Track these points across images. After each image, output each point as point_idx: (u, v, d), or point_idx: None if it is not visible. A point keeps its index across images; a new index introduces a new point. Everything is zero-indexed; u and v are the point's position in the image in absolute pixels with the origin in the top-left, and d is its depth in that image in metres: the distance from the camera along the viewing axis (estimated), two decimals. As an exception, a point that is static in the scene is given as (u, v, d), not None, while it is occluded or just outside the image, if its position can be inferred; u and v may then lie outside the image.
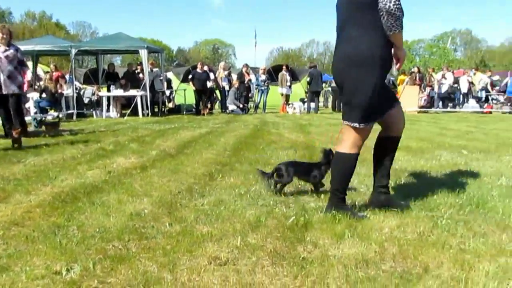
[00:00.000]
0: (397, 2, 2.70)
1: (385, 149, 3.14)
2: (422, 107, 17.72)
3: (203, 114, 15.00)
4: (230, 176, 4.31)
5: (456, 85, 18.53)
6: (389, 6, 2.68)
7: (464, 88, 18.74)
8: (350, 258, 2.25)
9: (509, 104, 17.80)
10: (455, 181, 4.04)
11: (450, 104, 19.00)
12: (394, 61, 2.98)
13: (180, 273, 2.10)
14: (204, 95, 15.57)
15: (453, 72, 21.10)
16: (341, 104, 3.06)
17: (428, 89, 18.68)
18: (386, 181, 3.15)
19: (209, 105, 16.01)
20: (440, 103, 18.34)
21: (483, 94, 19.36)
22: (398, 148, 6.10)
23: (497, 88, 20.65)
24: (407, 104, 16.15)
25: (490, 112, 17.08)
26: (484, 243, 2.44)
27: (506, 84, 19.61)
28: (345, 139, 2.98)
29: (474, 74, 19.84)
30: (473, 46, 71.45)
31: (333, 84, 17.54)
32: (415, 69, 18.47)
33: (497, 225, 2.76)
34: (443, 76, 18.04)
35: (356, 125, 2.90)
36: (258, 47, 77.86)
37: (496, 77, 22.54)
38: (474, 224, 2.78)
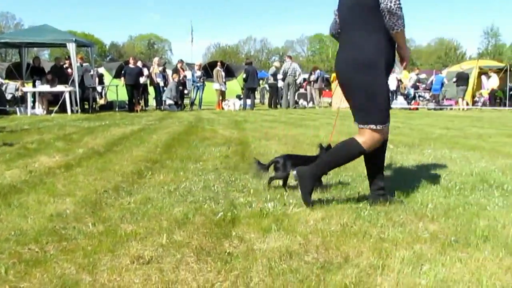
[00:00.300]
0: (397, 2, 2.81)
1: (376, 152, 3.18)
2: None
3: (136, 111, 14.65)
4: (160, 174, 4.24)
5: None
6: (390, 6, 2.79)
7: (392, 85, 19.60)
8: (274, 251, 2.28)
9: (433, 101, 18.87)
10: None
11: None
12: (397, 60, 3.05)
13: (100, 274, 2.04)
14: (137, 91, 15.20)
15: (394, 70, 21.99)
16: (352, 108, 3.11)
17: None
18: (382, 183, 3.22)
19: (142, 102, 15.67)
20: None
21: (412, 92, 20.39)
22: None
23: (424, 86, 21.82)
24: (340, 100, 16.70)
25: (417, 109, 18.05)
26: (402, 231, 2.57)
27: (432, 82, 20.80)
28: (366, 141, 3.02)
29: (401, 72, 20.79)
30: (402, 46, 74.93)
31: (270, 81, 17.78)
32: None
33: (415, 214, 2.92)
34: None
35: (379, 127, 2.99)
36: (195, 43, 77.03)
37: (423, 75, 23.81)
38: (394, 214, 2.91)
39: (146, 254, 2.25)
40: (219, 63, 17.72)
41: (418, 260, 2.16)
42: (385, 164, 4.67)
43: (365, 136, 3.04)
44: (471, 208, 3.07)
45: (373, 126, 2.99)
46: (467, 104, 19.36)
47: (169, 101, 15.66)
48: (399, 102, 18.51)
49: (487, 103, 19.55)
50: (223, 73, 17.17)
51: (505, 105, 19.30)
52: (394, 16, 2.83)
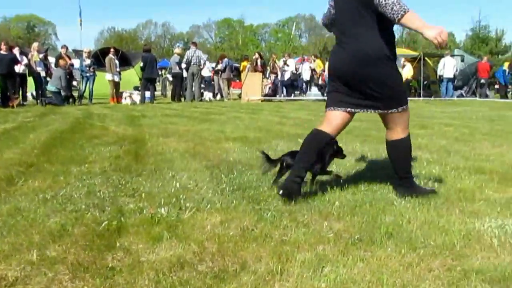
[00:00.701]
0: None
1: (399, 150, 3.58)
2: (266, 95, 18.73)
3: (12, 106, 13.76)
4: (35, 179, 4.01)
5: (298, 72, 19.98)
6: None
7: (306, 75, 20.30)
8: (164, 262, 2.26)
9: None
10: (287, 171, 4.34)
11: (297, 92, 20.48)
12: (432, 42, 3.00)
13: (-51, 302, 1.89)
14: (11, 82, 14.26)
15: (306, 59, 22.72)
16: (373, 99, 3.37)
17: (272, 76, 19.83)
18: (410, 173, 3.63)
19: (19, 95, 14.74)
20: (285, 91, 19.63)
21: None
22: (234, 139, 6.36)
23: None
24: (250, 92, 16.98)
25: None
26: (306, 232, 2.67)
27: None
28: (395, 127, 3.45)
29: (314, 61, 21.56)
30: (317, 32, 77.64)
31: (175, 70, 17.52)
32: (256, 55, 19.40)
33: (320, 214, 3.04)
34: (285, 63, 19.29)
35: (404, 107, 3.41)
36: (85, 26, 73.96)
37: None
38: (298, 214, 3.01)
39: (11, 275, 2.12)
40: (112, 50, 17.14)
41: (319, 262, 2.24)
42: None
43: (394, 123, 3.46)
44: (378, 204, 3.26)
45: (400, 108, 3.40)
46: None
47: (51, 88, 14.79)
48: (313, 94, 19.20)
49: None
50: (117, 62, 16.65)
51: (419, 96, 20.75)
52: (387, 6, 3.02)
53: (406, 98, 3.48)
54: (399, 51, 24.25)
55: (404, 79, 20.77)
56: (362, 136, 6.95)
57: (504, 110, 14.31)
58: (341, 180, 3.89)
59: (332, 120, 3.55)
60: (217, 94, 19.64)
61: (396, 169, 3.58)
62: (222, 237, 2.58)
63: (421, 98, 20.32)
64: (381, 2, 3.03)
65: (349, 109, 3.48)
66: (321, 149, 3.60)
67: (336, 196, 3.45)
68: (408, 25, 3.07)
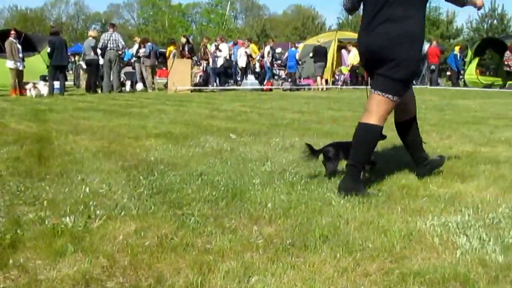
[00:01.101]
0: None
1: (411, 130, 4.14)
2: (196, 84, 18.65)
3: None
4: None
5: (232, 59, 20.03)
6: None
7: (242, 62, 20.38)
8: (67, 280, 2.21)
9: (289, 80, 20.08)
10: (216, 170, 4.35)
11: (231, 81, 20.51)
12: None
13: None
14: None
15: (239, 43, 22.73)
16: (373, 76, 3.77)
17: (204, 63, 19.75)
18: (424, 154, 4.20)
19: None
20: (217, 80, 19.61)
21: (269, 69, 21.46)
22: (156, 136, 6.32)
23: (279, 62, 23.10)
24: (178, 81, 16.85)
25: (271, 90, 19.00)
26: (232, 239, 2.68)
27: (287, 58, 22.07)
28: (375, 111, 3.69)
29: (248, 46, 21.64)
30: (255, 14, 78.15)
31: (89, 56, 17.03)
32: (183, 39, 19.21)
33: (250, 217, 3.07)
34: (218, 48, 19.25)
35: (395, 98, 3.67)
36: (-20, 4, 70.83)
37: (278, 50, 25.19)
38: (225, 219, 3.03)
39: None
40: (13, 33, 16.49)
41: (245, 272, 2.27)
42: (225, 157, 4.88)
43: (376, 106, 3.69)
44: (315, 205, 3.34)
45: (391, 96, 3.68)
46: (327, 82, 20.99)
47: None
48: (249, 83, 19.29)
49: (348, 81, 21.45)
50: (19, 46, 16.03)
51: (367, 84, 21.33)
52: None
53: (404, 91, 3.75)
54: (344, 34, 24.89)
55: (349, 65, 21.34)
56: (302, 129, 7.07)
57: (456, 98, 14.99)
58: (303, 178, 3.93)
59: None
60: (136, 83, 19.15)
61: (353, 153, 3.76)
62: (136, 248, 2.55)
63: (368, 87, 20.81)
64: None
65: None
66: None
67: (268, 197, 3.49)
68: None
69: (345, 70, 21.79)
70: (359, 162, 3.71)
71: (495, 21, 35.24)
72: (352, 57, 21.19)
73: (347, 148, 3.91)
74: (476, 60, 24.08)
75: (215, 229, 2.84)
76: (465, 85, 23.38)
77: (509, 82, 21.12)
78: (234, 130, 6.87)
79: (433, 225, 2.94)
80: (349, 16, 45.78)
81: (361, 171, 3.77)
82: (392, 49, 3.58)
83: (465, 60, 24.40)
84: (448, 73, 26.67)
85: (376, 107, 3.69)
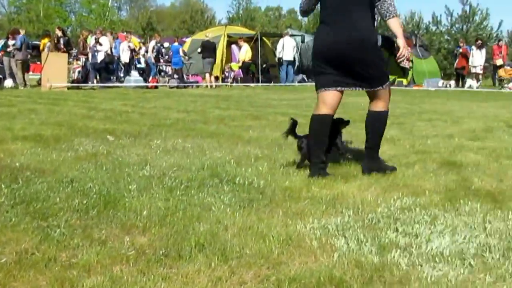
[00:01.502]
0: None
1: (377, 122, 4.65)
2: (74, 81, 18.04)
3: None
4: None
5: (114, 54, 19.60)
6: None
7: (125, 57, 20.01)
8: None
9: (176, 77, 19.97)
10: (89, 176, 4.24)
11: (113, 78, 20.05)
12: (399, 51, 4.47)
13: None
14: None
15: (120, 36, 22.23)
16: (362, 79, 4.40)
17: (83, 58, 19.12)
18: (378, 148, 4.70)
19: None
20: (98, 76, 19.10)
21: (154, 65, 21.23)
22: (24, 138, 6.07)
23: (166, 57, 22.91)
24: (53, 77, 16.22)
25: (156, 87, 18.81)
26: (100, 252, 2.62)
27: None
28: (384, 100, 4.52)
29: (129, 40, 21.26)
30: (140, 5, 76.85)
31: None
32: (57, 31, 18.52)
33: (122, 227, 3.02)
34: (98, 42, 18.75)
35: (387, 83, 4.53)
36: None
37: (166, 44, 24.99)
38: (95, 230, 2.96)
39: None
40: None
41: (112, 287, 2.23)
42: (101, 162, 4.77)
43: (382, 97, 4.50)
44: (194, 211, 3.35)
45: (386, 84, 4.52)
46: (216, 79, 21.11)
47: None
48: (132, 79, 18.97)
49: (239, 78, 21.69)
50: None
51: (258, 81, 21.72)
52: (385, 4, 4.27)
53: (388, 77, 4.71)
54: (234, 29, 25.18)
55: (240, 61, 21.59)
56: (186, 130, 7.07)
57: (346, 95, 15.56)
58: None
59: (327, 100, 4.44)
60: (5, 79, 18.11)
61: (369, 139, 4.60)
62: (-13, 266, 2.43)
63: (260, 84, 21.27)
64: None
65: (339, 87, 4.40)
66: (331, 130, 4.56)
67: (144, 205, 3.45)
68: (392, 25, 4.39)
69: (235, 66, 22.00)
70: (377, 145, 4.61)
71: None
72: (244, 53, 21.46)
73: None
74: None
75: (82, 241, 2.77)
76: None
77: (398, 79, 22.31)
78: (112, 132, 6.73)
79: (313, 228, 3.05)
80: (239, 10, 46.09)
81: (378, 153, 4.65)
82: (362, 56, 4.29)
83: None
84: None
85: (383, 97, 4.50)
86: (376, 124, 4.58)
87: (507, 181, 4.32)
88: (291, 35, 24.33)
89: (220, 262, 2.51)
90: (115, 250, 2.66)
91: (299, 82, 23.20)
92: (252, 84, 21.10)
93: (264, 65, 23.47)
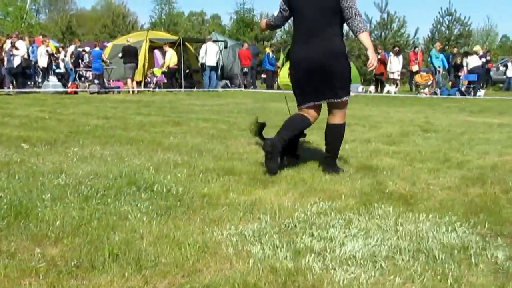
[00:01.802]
0: (356, 9, 4.68)
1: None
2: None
3: None
4: None
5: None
6: (357, 9, 4.66)
7: (42, 62, 19.44)
8: None
9: (97, 82, 19.57)
10: (1, 187, 4.08)
11: (31, 83, 19.41)
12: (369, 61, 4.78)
13: None
14: None
15: (37, 40, 21.52)
16: (325, 87, 4.78)
17: (-2, 63, 18.43)
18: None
19: None
20: (14, 81, 18.46)
21: (72, 70, 20.68)
22: None
23: (86, 62, 22.43)
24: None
25: (76, 93, 18.35)
26: (8, 265, 2.52)
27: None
28: (340, 113, 4.92)
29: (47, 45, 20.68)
30: (60, 8, 74.70)
31: None
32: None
33: (33, 238, 2.92)
34: (14, 46, 18.14)
35: (348, 97, 4.88)
36: None
37: (87, 49, 24.49)
38: (3, 242, 2.85)
39: None
40: None
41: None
42: (15, 170, 4.60)
43: (338, 109, 4.90)
44: (109, 220, 3.28)
45: (346, 97, 4.88)
46: (138, 85, 20.81)
47: None
48: (51, 85, 18.41)
49: (161, 84, 21.47)
50: None
51: (181, 87, 21.56)
52: (355, 20, 4.64)
53: (350, 90, 4.93)
54: (157, 34, 24.94)
55: (165, 66, 21.38)
56: (105, 137, 6.92)
57: (268, 101, 15.82)
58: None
59: (309, 113, 4.90)
60: None
61: (328, 149, 4.99)
62: None
63: (183, 90, 21.14)
64: (351, 16, 4.64)
65: (317, 102, 4.84)
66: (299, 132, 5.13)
67: (58, 214, 3.35)
68: (363, 39, 4.75)
69: (157, 71, 21.76)
70: (335, 154, 5.01)
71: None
72: (169, 58, 21.24)
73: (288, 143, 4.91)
74: (288, 64, 25.56)
75: (-12, 254, 2.66)
76: (279, 87, 24.72)
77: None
78: (27, 139, 6.50)
79: (230, 234, 3.06)
80: (162, 15, 45.74)
81: (336, 160, 5.05)
82: (336, 63, 4.73)
83: (278, 62, 25.89)
84: (264, 75, 27.98)
85: (340, 110, 4.89)
86: (334, 136, 4.97)
87: (419, 184, 4.49)
88: (214, 41, 24.34)
89: (134, 272, 2.47)
90: (25, 262, 2.57)
91: (222, 87, 23.21)
92: (175, 90, 20.93)
93: (187, 71, 23.34)
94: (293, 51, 5.03)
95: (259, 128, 5.11)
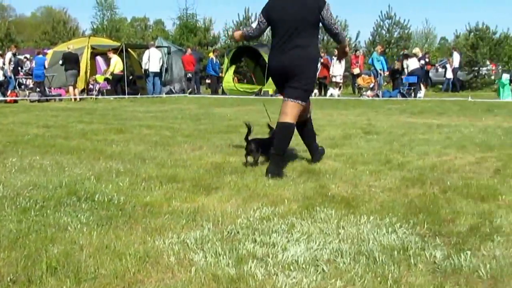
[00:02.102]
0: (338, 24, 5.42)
1: (306, 127, 5.66)
2: None
3: None
4: None
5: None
6: (338, 28, 5.34)
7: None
8: None
9: (38, 90, 19.10)
10: None
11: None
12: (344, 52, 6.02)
13: None
14: None
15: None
16: (287, 87, 5.25)
17: None
18: (316, 144, 5.82)
19: None
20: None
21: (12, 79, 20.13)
22: None
23: (26, 70, 21.88)
24: None
25: (16, 101, 17.87)
26: None
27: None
28: (291, 113, 5.19)
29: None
30: (-1, 14, 72.58)
31: None
32: None
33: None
34: None
35: (303, 103, 5.25)
36: None
37: (27, 56, 23.90)
38: None
39: None
40: None
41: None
42: None
43: (292, 109, 5.18)
44: (48, 232, 3.20)
45: (302, 102, 5.24)
46: (80, 92, 20.42)
47: None
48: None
49: (104, 91, 21.13)
50: None
51: (124, 93, 21.25)
52: (338, 34, 5.33)
53: (308, 97, 5.44)
54: (99, 40, 24.53)
55: (109, 72, 21.03)
56: (45, 146, 6.75)
57: (213, 106, 15.79)
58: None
59: (282, 108, 5.28)
60: None
61: (277, 144, 5.19)
62: None
63: (126, 96, 20.85)
64: (337, 31, 5.29)
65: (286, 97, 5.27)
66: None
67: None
68: (344, 43, 5.72)
69: (100, 78, 21.41)
70: (281, 152, 5.18)
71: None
72: (113, 64, 20.89)
73: (266, 143, 5.43)
74: (233, 68, 25.66)
75: None
76: (223, 92, 24.72)
77: (264, 89, 22.82)
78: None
79: (172, 243, 3.03)
80: (104, 21, 45.08)
81: (282, 159, 5.21)
82: (302, 68, 5.14)
83: (222, 67, 25.90)
84: (208, 81, 27.92)
85: (291, 110, 5.18)
86: (283, 133, 5.23)
87: (361, 186, 4.56)
88: (157, 46, 24.14)
89: (72, 285, 2.43)
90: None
91: (166, 93, 23.01)
92: (118, 97, 20.63)
93: (131, 77, 23.02)
94: (269, 57, 5.53)
95: (247, 131, 5.42)
